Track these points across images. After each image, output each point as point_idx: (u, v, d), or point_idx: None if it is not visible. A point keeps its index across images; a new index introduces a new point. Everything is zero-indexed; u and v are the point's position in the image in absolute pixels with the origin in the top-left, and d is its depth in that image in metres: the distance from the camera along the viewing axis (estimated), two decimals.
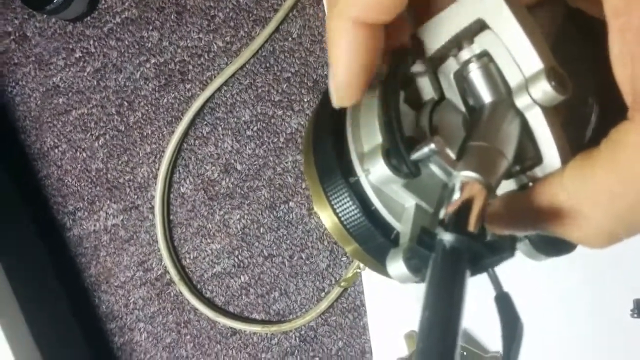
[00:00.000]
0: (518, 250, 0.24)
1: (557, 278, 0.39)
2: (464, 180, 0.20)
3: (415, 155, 0.21)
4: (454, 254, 0.18)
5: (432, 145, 0.21)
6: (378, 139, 0.23)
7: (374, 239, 0.25)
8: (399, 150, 0.22)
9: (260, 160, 0.45)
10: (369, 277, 0.42)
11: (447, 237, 0.19)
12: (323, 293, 0.45)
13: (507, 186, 0.23)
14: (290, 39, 0.44)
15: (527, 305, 0.40)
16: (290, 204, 0.45)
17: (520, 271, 0.39)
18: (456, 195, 0.20)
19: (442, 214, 0.20)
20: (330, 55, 0.23)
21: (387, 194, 0.24)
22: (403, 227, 0.24)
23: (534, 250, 0.24)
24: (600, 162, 0.19)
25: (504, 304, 0.19)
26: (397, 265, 0.22)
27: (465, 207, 0.19)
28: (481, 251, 0.19)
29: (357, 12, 0.21)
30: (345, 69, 0.23)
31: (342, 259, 0.44)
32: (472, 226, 0.19)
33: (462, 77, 0.24)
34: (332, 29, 0.22)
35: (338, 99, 0.24)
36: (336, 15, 0.22)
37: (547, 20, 0.27)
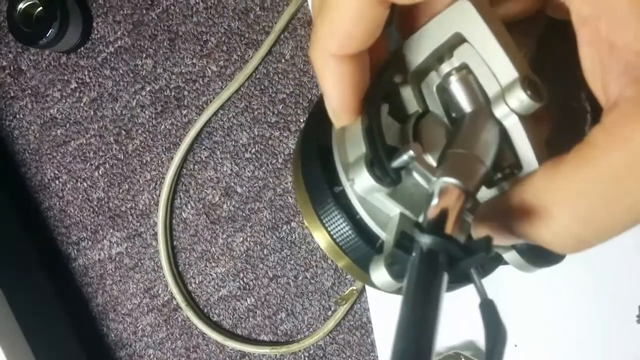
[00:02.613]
0: (508, 262, 0.25)
1: (561, 284, 0.40)
2: (443, 185, 0.20)
3: (396, 163, 0.22)
4: (430, 255, 0.19)
5: (411, 152, 0.21)
6: (362, 149, 0.23)
7: (360, 248, 0.25)
8: (380, 159, 0.22)
9: (260, 182, 0.45)
10: (374, 294, 0.43)
11: (423, 239, 0.19)
12: (329, 312, 0.45)
13: (490, 195, 0.24)
14: (283, 60, 0.44)
15: (531, 311, 0.40)
16: (292, 224, 0.45)
17: (523, 277, 0.39)
18: (434, 200, 0.20)
19: (420, 218, 0.20)
20: (320, 85, 0.24)
21: (372, 203, 0.24)
22: (387, 236, 0.24)
23: (522, 261, 0.24)
24: (567, 162, 0.19)
25: (488, 310, 0.19)
26: (379, 272, 0.22)
27: (443, 211, 0.20)
28: (457, 252, 0.19)
29: (335, 47, 0.22)
30: (336, 96, 0.24)
31: (347, 276, 0.44)
32: (449, 229, 0.20)
33: (443, 90, 0.25)
34: (315, 63, 0.23)
35: (338, 122, 0.25)
36: (316, 49, 0.22)
37: (528, 33, 0.27)
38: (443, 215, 0.20)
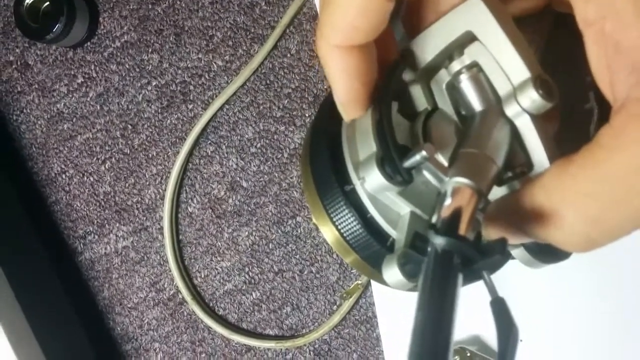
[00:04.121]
0: (515, 258, 0.25)
1: (568, 279, 0.39)
2: (455, 185, 0.20)
3: (408, 163, 0.22)
4: (445, 256, 0.19)
5: (424, 152, 0.21)
6: (373, 147, 0.23)
7: (370, 246, 0.25)
8: (392, 158, 0.22)
9: (266, 176, 0.45)
10: (379, 288, 0.43)
11: (438, 241, 0.19)
12: (335, 306, 0.45)
13: (500, 194, 0.24)
14: (289, 55, 0.44)
15: (537, 306, 0.40)
16: (298, 218, 0.45)
17: (529, 272, 0.39)
18: (447, 201, 0.20)
19: (434, 219, 0.20)
20: (327, 78, 0.23)
21: (382, 202, 0.24)
22: (398, 234, 0.24)
23: (530, 257, 0.24)
24: (577, 163, 0.19)
25: (499, 308, 0.19)
26: (392, 272, 0.22)
27: (457, 211, 0.20)
28: (472, 254, 0.19)
29: (339, 39, 0.22)
30: (343, 89, 0.23)
31: (352, 271, 0.44)
32: (463, 230, 0.20)
33: (453, 88, 0.25)
34: (321, 55, 0.23)
35: (346, 115, 0.25)
36: (322, 41, 0.22)
37: (537, 28, 0.27)
38: (456, 215, 0.20)
